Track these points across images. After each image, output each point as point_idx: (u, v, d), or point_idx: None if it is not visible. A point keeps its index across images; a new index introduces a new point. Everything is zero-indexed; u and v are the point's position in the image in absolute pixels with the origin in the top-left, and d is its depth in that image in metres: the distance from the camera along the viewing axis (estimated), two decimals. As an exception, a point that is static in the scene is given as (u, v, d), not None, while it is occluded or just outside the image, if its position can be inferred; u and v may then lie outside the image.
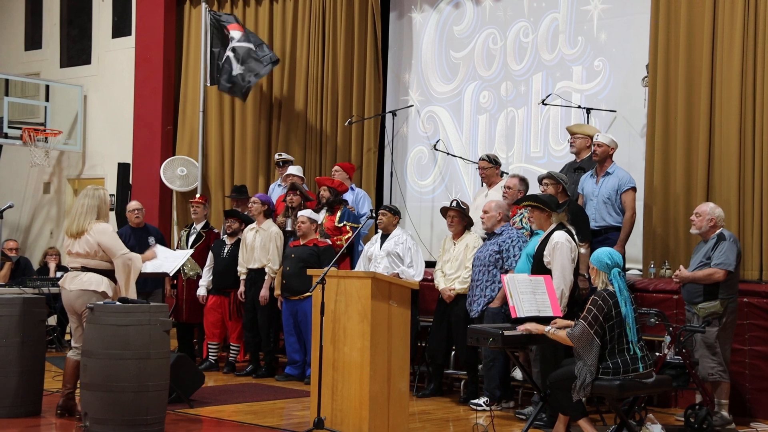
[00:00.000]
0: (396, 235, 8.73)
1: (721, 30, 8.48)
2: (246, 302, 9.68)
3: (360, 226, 8.89)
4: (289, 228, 9.70)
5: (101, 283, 6.95)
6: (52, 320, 11.26)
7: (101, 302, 6.71)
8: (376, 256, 8.69)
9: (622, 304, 5.92)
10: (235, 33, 11.25)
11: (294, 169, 10.34)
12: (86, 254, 6.94)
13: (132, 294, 6.90)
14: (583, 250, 7.42)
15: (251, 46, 11.15)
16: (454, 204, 8.36)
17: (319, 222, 9.34)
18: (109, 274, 7.01)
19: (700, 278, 7.20)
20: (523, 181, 8.53)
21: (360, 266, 8.85)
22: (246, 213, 10.15)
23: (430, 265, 9.08)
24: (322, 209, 9.58)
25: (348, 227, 9.35)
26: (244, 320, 9.76)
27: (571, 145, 8.77)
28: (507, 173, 9.34)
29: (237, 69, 11.14)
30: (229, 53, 11.20)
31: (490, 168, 8.97)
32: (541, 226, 7.18)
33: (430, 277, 8.71)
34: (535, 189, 8.38)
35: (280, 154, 10.90)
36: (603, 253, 6.15)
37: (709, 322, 7.14)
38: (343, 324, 6.63)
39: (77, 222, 6.97)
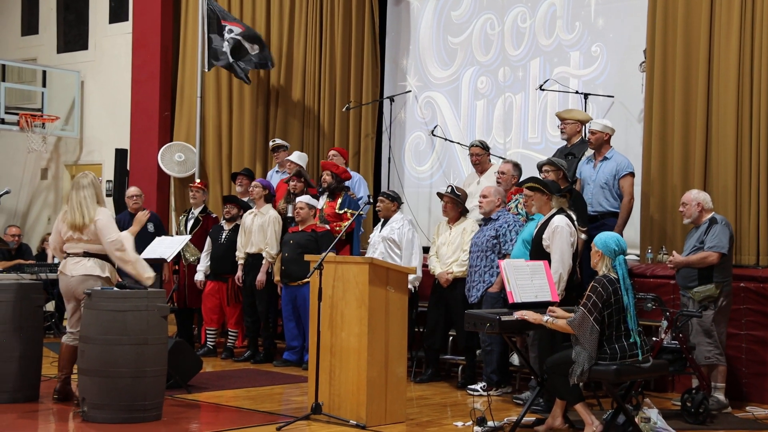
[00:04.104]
0: (394, 220, 8.71)
1: (718, 15, 8.47)
2: (244, 287, 9.69)
3: (357, 212, 8.89)
4: (290, 214, 9.69)
5: (105, 268, 6.96)
6: (50, 306, 11.28)
7: (99, 288, 6.73)
8: (374, 242, 8.69)
9: (624, 293, 5.89)
10: (235, 28, 11.27)
11: (296, 157, 10.19)
12: (88, 240, 6.94)
13: (143, 267, 6.91)
14: (583, 236, 7.42)
15: (248, 47, 11.21)
16: (450, 190, 8.37)
17: (319, 208, 9.33)
18: (109, 259, 7.03)
19: (694, 262, 7.23)
20: (517, 167, 8.53)
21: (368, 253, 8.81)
22: (248, 199, 10.14)
23: (428, 250, 9.08)
24: (323, 194, 9.56)
25: (349, 214, 9.33)
26: (243, 305, 9.78)
27: (561, 131, 8.77)
28: (503, 158, 9.34)
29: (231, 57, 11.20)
30: (228, 40, 11.21)
31: (484, 154, 8.99)
32: (541, 210, 7.16)
33: (425, 263, 8.72)
34: (528, 175, 8.38)
35: (274, 140, 10.89)
36: (611, 238, 6.04)
37: (705, 307, 7.16)
38: (340, 309, 6.64)
39: (86, 214, 6.89)
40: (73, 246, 7.00)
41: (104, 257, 6.98)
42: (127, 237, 7.01)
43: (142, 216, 7.49)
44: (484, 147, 9.03)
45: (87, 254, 6.96)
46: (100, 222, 6.89)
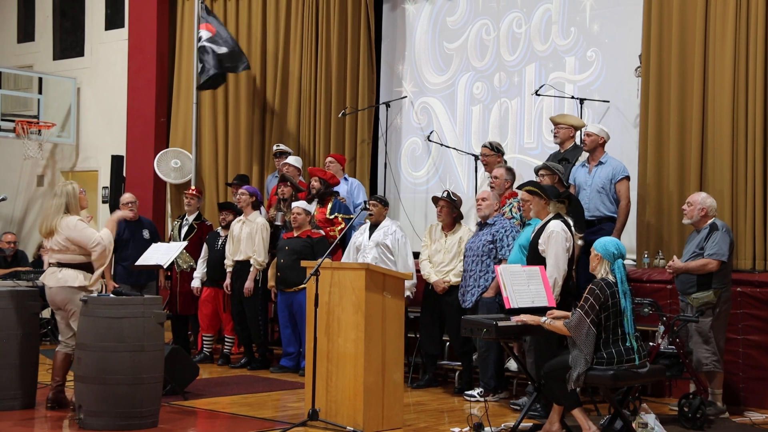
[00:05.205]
0: (385, 225, 8.71)
1: (713, 19, 8.49)
2: (233, 295, 9.68)
3: (354, 217, 8.87)
4: (278, 222, 9.68)
5: (77, 278, 6.99)
6: (46, 313, 11.25)
7: (95, 295, 6.73)
8: (364, 247, 8.67)
9: (622, 297, 5.90)
10: (204, 33, 11.18)
11: (293, 160, 10.28)
12: (60, 249, 6.99)
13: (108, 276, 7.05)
14: (579, 242, 7.41)
15: (223, 50, 11.12)
16: (446, 194, 8.37)
17: (313, 213, 9.32)
18: (84, 266, 7.05)
19: (693, 268, 7.22)
20: (510, 171, 8.50)
21: (349, 257, 8.83)
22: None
23: (417, 254, 9.06)
24: (312, 200, 9.55)
25: (340, 219, 9.34)
26: (231, 313, 9.77)
27: (555, 136, 8.77)
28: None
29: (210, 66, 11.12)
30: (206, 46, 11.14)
31: (492, 156, 8.84)
32: (538, 215, 7.15)
33: (417, 268, 8.70)
34: (521, 180, 8.37)
35: (278, 146, 10.88)
36: (610, 242, 6.09)
37: (702, 312, 7.15)
38: (337, 315, 6.64)
39: (46, 223, 7.02)
40: (50, 256, 7.09)
41: (78, 266, 7.01)
42: (107, 235, 7.01)
43: (115, 217, 7.45)
44: (493, 148, 8.88)
45: (60, 264, 7.00)
46: (73, 234, 6.92)
